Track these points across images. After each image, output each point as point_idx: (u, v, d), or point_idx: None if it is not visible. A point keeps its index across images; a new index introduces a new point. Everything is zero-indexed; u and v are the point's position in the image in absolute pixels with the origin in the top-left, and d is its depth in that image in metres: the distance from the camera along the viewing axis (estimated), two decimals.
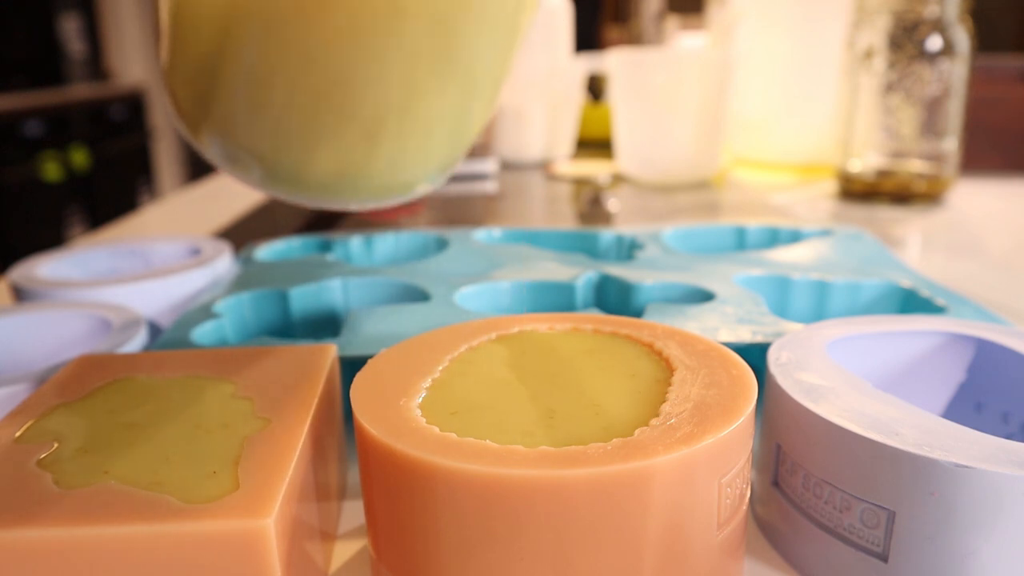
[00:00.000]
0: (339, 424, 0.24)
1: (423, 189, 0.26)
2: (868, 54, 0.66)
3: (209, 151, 0.25)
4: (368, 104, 0.22)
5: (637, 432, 0.17)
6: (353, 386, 0.20)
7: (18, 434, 0.19)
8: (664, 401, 0.19)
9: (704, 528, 0.17)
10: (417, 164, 0.25)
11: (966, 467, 0.17)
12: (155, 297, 0.34)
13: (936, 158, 0.67)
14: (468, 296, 0.33)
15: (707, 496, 0.17)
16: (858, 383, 0.21)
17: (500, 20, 0.23)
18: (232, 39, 0.22)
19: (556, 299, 0.34)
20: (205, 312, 0.31)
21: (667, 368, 0.21)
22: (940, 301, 0.31)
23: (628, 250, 0.40)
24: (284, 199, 0.25)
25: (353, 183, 0.24)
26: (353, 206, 0.26)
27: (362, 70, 0.21)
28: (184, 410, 0.20)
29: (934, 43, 0.64)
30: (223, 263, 0.37)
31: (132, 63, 2.61)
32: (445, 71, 0.23)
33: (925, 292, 0.32)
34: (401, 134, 0.23)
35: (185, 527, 0.16)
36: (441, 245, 0.42)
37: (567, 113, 0.93)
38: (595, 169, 0.86)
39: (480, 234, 0.43)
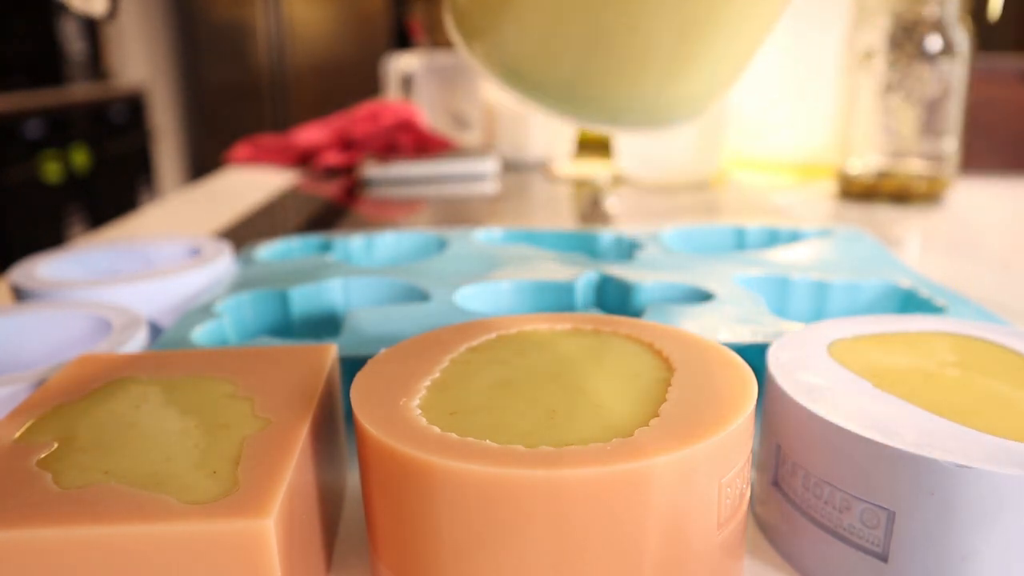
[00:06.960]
0: (339, 424, 0.24)
1: (677, 123, 0.31)
2: (868, 54, 0.66)
3: (482, 61, 0.30)
4: (641, 42, 0.27)
5: (637, 432, 0.17)
6: (353, 386, 0.20)
7: (18, 434, 0.19)
8: (664, 401, 0.19)
9: (704, 528, 0.17)
10: (674, 98, 0.30)
11: (966, 467, 0.17)
12: (155, 297, 0.34)
13: (936, 158, 0.67)
14: (468, 296, 0.33)
15: (707, 496, 0.17)
16: (858, 383, 0.21)
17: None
18: None
19: (556, 299, 0.34)
20: (205, 312, 0.31)
21: (667, 368, 0.21)
22: (940, 301, 0.31)
23: (628, 250, 0.40)
24: (550, 113, 0.30)
25: (616, 104, 0.29)
26: (607, 126, 0.30)
27: (644, 15, 0.26)
28: (184, 410, 0.20)
29: (934, 43, 0.64)
30: (223, 263, 0.37)
31: (132, 63, 2.61)
32: (709, 29, 0.27)
33: (925, 292, 0.32)
34: (668, 71, 0.28)
35: (185, 527, 0.16)
36: (441, 245, 0.42)
37: None
38: (595, 169, 0.86)
39: (480, 234, 0.43)
